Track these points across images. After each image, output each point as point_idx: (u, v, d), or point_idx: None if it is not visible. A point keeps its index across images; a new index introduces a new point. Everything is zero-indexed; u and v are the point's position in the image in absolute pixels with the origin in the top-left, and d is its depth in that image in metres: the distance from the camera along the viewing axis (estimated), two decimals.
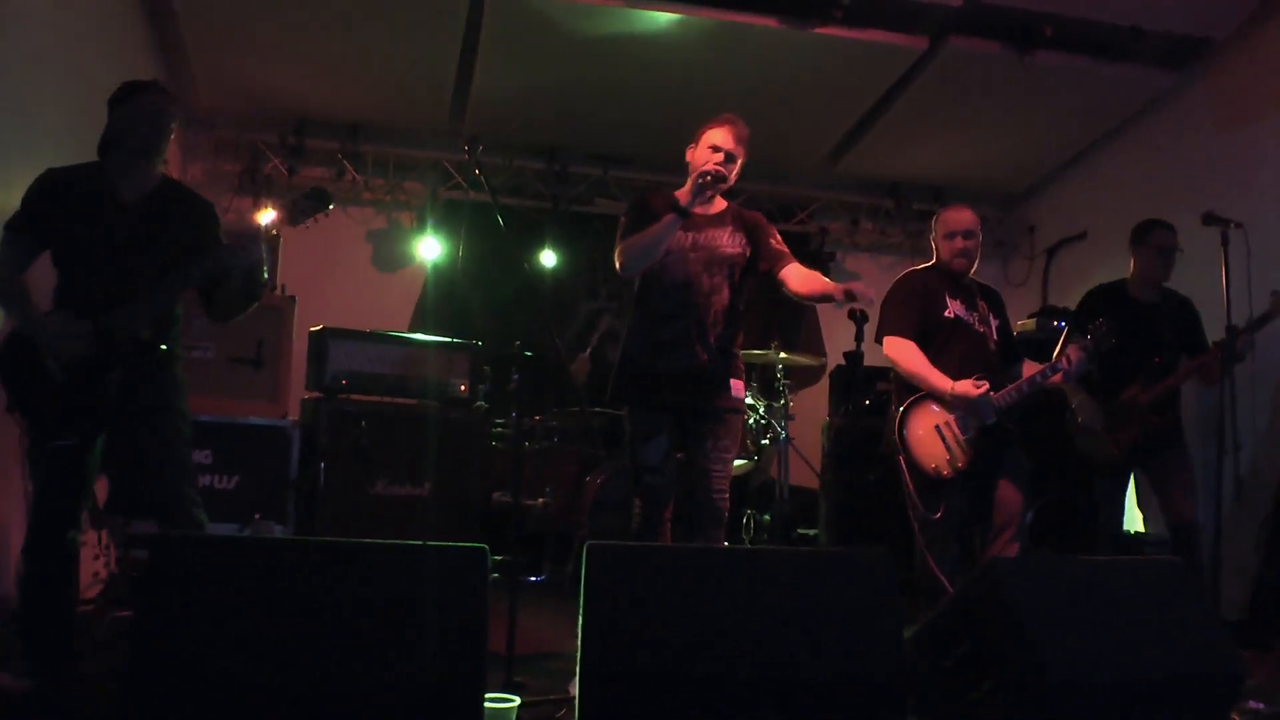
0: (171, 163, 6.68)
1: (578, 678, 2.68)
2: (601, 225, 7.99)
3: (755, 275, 3.96)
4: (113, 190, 3.41)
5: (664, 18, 6.00)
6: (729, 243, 3.88)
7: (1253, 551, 5.27)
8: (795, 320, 7.80)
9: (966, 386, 4.17)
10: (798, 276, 3.82)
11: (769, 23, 6.10)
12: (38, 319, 3.29)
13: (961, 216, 4.47)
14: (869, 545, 3.05)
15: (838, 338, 7.63)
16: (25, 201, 3.38)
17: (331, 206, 3.55)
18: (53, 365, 3.23)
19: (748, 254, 3.91)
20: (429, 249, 7.53)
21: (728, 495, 3.85)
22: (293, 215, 3.52)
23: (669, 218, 3.72)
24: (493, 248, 7.52)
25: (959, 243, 4.42)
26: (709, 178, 3.70)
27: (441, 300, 7.65)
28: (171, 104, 3.51)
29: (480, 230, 7.64)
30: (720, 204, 3.98)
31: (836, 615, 2.82)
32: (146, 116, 3.44)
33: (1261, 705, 3.42)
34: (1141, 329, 4.78)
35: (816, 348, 7.75)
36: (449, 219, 7.67)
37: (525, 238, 7.61)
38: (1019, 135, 7.44)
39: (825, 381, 7.16)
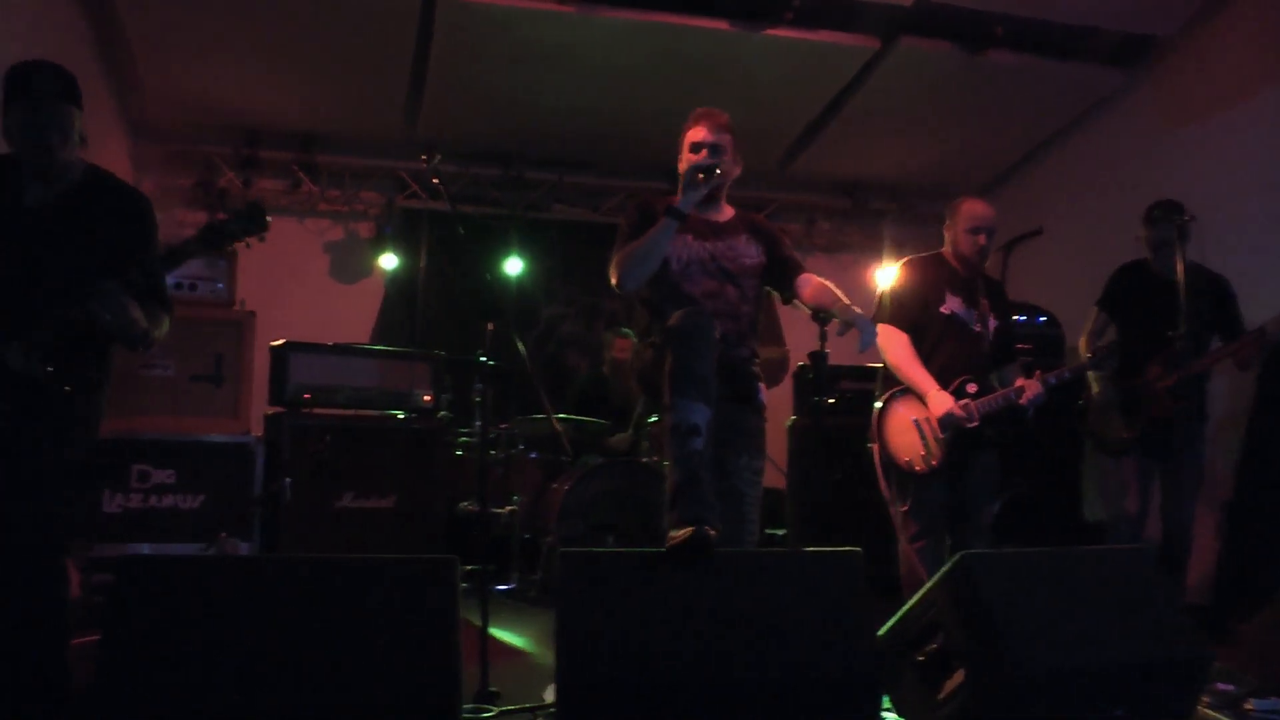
0: (122, 177, 6.56)
1: (555, 686, 2.67)
2: (558, 231, 8.00)
3: (769, 284, 3.78)
4: (18, 190, 3.02)
5: (615, 22, 6.01)
6: (749, 252, 3.68)
7: (1214, 537, 5.33)
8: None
9: (945, 402, 4.11)
10: (811, 288, 3.60)
11: (720, 25, 6.13)
12: None
13: (986, 212, 4.34)
14: (839, 545, 3.05)
15: (797, 333, 7.60)
16: None
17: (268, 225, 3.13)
18: None
19: (764, 263, 3.72)
20: (388, 259, 7.49)
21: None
22: (212, 239, 3.10)
23: (662, 221, 3.48)
24: (452, 256, 7.49)
25: (981, 239, 4.31)
26: (698, 174, 3.49)
27: (403, 310, 7.61)
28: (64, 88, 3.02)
29: (439, 239, 7.61)
30: (728, 211, 3.78)
31: (810, 616, 2.83)
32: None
33: (1231, 687, 3.47)
34: (1161, 306, 4.65)
35: (777, 339, 7.76)
36: (407, 228, 7.63)
37: (484, 245, 7.57)
38: (973, 134, 7.51)
39: (789, 381, 7.17)
